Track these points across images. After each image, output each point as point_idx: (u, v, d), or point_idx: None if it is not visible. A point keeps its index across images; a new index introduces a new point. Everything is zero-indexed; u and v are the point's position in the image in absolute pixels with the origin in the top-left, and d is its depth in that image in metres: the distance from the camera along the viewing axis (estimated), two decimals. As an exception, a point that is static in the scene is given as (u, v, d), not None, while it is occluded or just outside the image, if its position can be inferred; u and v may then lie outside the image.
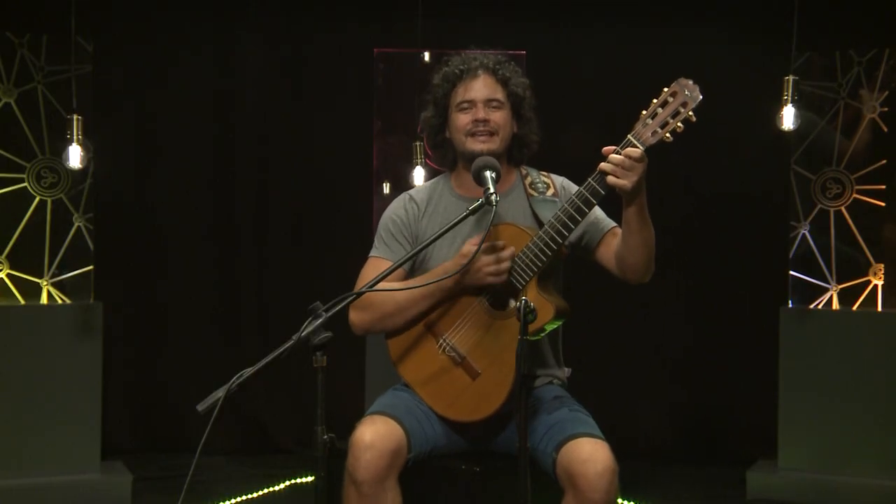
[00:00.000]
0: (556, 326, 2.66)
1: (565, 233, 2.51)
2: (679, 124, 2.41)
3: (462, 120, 2.71)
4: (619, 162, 2.41)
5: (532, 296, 2.53)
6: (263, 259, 5.19)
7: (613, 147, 2.44)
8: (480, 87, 2.72)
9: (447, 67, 2.78)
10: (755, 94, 4.69)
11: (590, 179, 2.47)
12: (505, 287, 2.60)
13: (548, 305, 2.53)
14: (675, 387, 5.09)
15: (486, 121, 2.69)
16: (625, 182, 2.41)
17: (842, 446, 4.32)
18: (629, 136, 2.43)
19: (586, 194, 2.48)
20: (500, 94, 2.73)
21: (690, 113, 2.41)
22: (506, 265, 2.55)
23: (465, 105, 2.72)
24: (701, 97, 2.41)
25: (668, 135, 2.42)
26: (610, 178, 2.42)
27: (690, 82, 2.43)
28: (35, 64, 4.34)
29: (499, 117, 2.71)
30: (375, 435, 2.47)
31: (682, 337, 5.09)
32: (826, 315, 4.43)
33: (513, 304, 2.60)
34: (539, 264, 2.54)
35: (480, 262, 2.56)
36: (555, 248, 2.53)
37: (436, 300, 2.64)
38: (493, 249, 2.57)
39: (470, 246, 2.57)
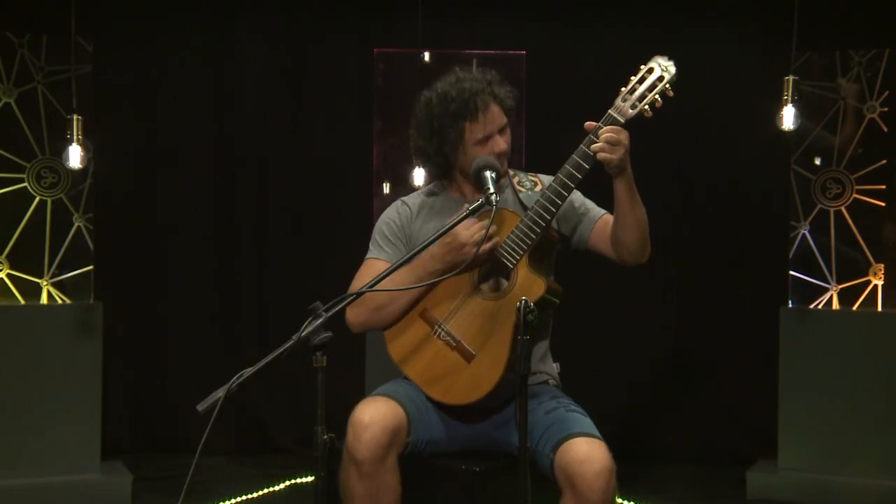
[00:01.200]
0: (549, 304, 2.67)
1: (552, 209, 2.57)
2: (657, 97, 2.53)
3: (481, 152, 2.73)
4: (606, 139, 2.49)
5: (523, 273, 2.59)
6: (263, 259, 5.19)
7: (595, 122, 2.54)
8: (494, 118, 2.74)
9: (453, 104, 2.71)
10: (755, 94, 4.69)
11: (573, 155, 2.56)
12: (496, 267, 2.64)
13: (539, 280, 2.58)
14: (675, 387, 5.09)
15: (505, 151, 2.75)
16: (612, 156, 2.49)
17: (842, 446, 4.32)
18: (609, 111, 2.55)
19: (570, 169, 2.56)
20: (504, 118, 2.78)
21: (668, 87, 2.53)
22: (481, 234, 2.57)
23: (484, 139, 2.74)
24: (675, 70, 2.52)
25: (646, 108, 2.53)
26: (601, 155, 2.50)
27: (665, 58, 2.55)
28: (35, 64, 4.34)
29: (508, 138, 2.78)
30: (375, 413, 2.49)
31: (682, 337, 5.08)
32: (826, 315, 4.43)
33: (504, 283, 2.65)
34: (529, 241, 2.59)
35: (462, 235, 2.59)
36: (543, 224, 2.58)
37: (423, 280, 2.65)
38: (467, 225, 2.60)
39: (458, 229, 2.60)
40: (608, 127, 2.51)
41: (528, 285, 2.56)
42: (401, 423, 2.53)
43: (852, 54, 4.45)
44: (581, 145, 2.54)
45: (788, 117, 4.08)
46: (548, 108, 4.85)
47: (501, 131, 2.76)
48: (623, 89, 2.56)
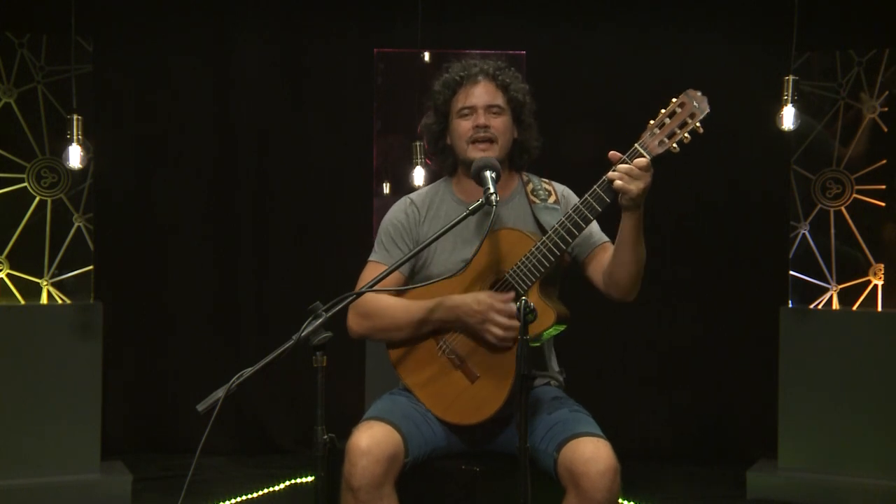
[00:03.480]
0: (557, 333, 2.66)
1: (569, 239, 2.52)
2: (686, 135, 2.42)
3: (463, 126, 2.71)
4: (627, 170, 2.41)
5: (534, 301, 2.52)
6: (263, 259, 5.19)
7: (620, 154, 2.44)
8: (481, 93, 2.72)
9: (447, 74, 2.78)
10: (755, 94, 4.69)
11: (595, 187, 2.48)
12: (506, 290, 2.59)
13: (549, 311, 2.54)
14: (676, 387, 5.09)
15: (486, 127, 2.69)
16: (631, 188, 2.41)
17: (842, 446, 4.32)
18: (636, 145, 2.44)
19: (591, 201, 2.48)
20: (500, 100, 2.73)
21: (698, 124, 2.42)
22: (511, 334, 2.53)
23: (466, 111, 2.72)
24: (709, 109, 2.42)
25: (674, 145, 2.43)
26: (617, 183, 2.42)
27: (699, 94, 2.44)
28: (35, 64, 4.34)
29: (499, 123, 2.71)
30: (371, 441, 2.46)
31: (683, 337, 5.08)
32: (826, 315, 4.43)
33: (513, 307, 2.60)
34: (542, 270, 2.54)
35: (492, 317, 2.55)
36: (558, 254, 2.53)
37: (433, 328, 2.64)
38: (508, 313, 2.54)
39: (485, 296, 2.56)
40: (637, 160, 2.40)
41: (538, 315, 2.51)
42: (397, 450, 2.50)
43: (852, 54, 4.45)
44: (604, 176, 2.45)
45: (788, 117, 4.07)
46: (547, 109, 4.84)
47: (490, 110, 2.70)
48: (651, 122, 2.44)
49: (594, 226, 2.73)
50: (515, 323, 2.51)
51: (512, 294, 2.56)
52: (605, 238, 2.73)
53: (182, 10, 5.02)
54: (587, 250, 2.71)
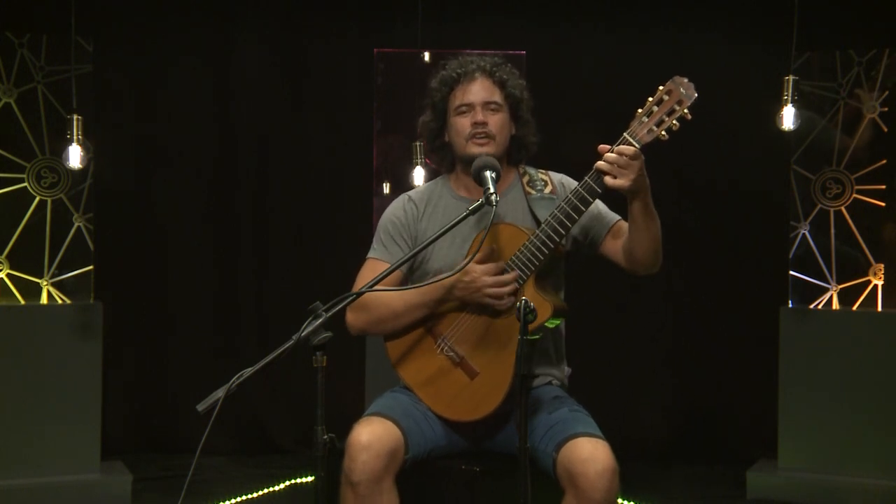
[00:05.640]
0: (554, 326, 2.66)
1: (562, 231, 2.52)
2: (675, 122, 2.42)
3: (461, 123, 2.72)
4: (615, 160, 2.42)
5: (529, 294, 2.54)
6: (264, 259, 5.18)
7: (609, 146, 2.45)
8: (478, 90, 2.72)
9: (444, 71, 2.78)
10: (755, 94, 4.69)
11: (586, 178, 2.49)
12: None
13: (545, 304, 2.53)
14: (675, 387, 5.09)
15: (484, 123, 2.69)
16: (622, 181, 2.42)
17: (842, 446, 4.32)
18: (625, 134, 2.45)
19: (583, 192, 2.49)
20: (497, 97, 2.73)
21: (686, 111, 2.42)
22: (508, 289, 2.54)
23: (464, 108, 2.72)
24: (696, 95, 2.42)
25: (663, 133, 2.43)
26: (607, 179, 2.43)
27: (686, 80, 2.44)
28: (35, 64, 4.34)
29: (497, 120, 2.71)
30: (372, 436, 2.47)
31: (682, 337, 5.08)
32: (826, 315, 4.43)
33: (503, 268, 2.59)
34: (536, 262, 2.54)
35: (482, 281, 2.56)
36: (551, 245, 2.53)
37: (431, 310, 2.65)
38: (499, 270, 2.56)
39: (471, 266, 2.56)
40: (618, 148, 2.42)
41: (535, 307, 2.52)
42: (398, 445, 2.50)
43: (852, 54, 4.45)
44: (595, 166, 2.45)
45: (788, 117, 4.07)
46: (547, 109, 4.84)
47: (488, 107, 2.70)
48: (639, 111, 2.44)
49: (603, 207, 2.74)
50: (506, 277, 2.53)
51: (502, 264, 2.58)
52: (618, 217, 2.73)
53: (182, 10, 5.02)
54: (602, 232, 2.72)
